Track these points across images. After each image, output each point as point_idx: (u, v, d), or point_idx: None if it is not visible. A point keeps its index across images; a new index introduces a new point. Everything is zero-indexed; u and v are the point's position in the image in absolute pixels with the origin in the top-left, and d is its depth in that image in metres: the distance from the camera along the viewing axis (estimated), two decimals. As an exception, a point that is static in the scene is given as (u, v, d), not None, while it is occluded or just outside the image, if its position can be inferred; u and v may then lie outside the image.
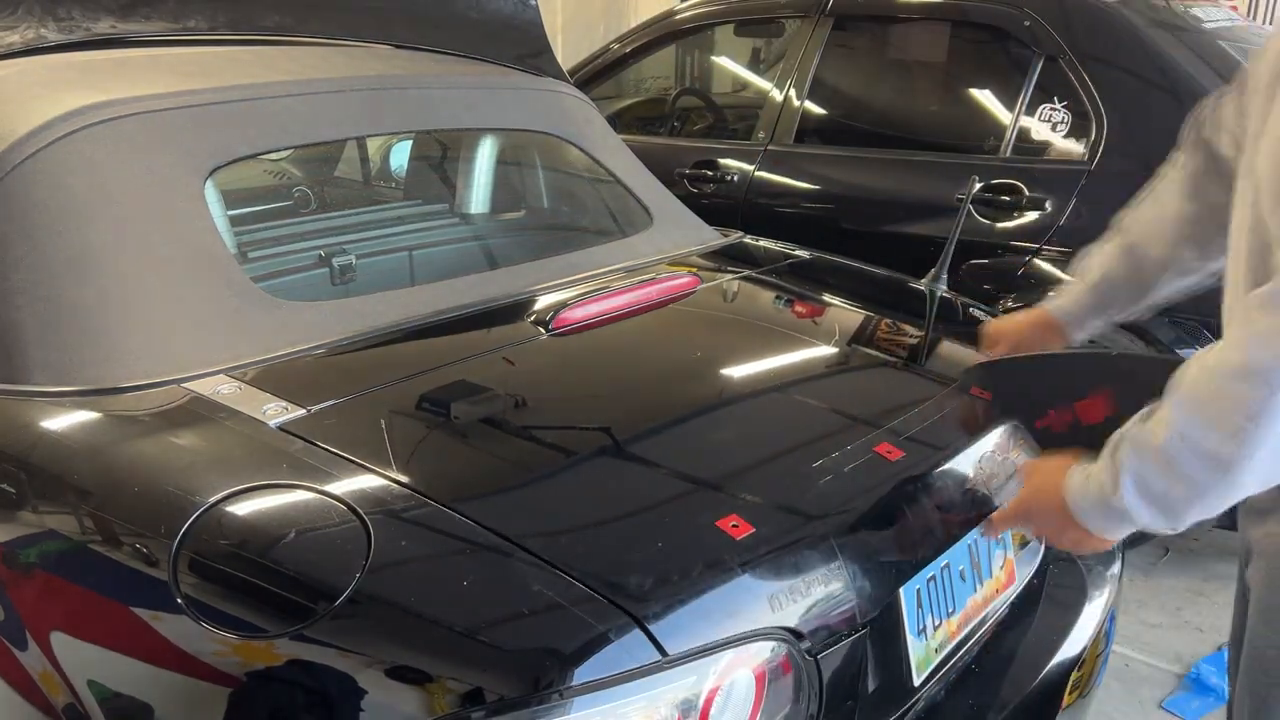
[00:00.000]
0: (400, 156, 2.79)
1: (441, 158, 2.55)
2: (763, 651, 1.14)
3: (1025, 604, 1.67)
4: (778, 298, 2.02)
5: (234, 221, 1.85)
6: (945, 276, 2.10)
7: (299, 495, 1.17)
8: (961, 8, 3.16)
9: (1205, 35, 2.99)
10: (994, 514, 1.42)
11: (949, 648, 1.45)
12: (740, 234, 2.35)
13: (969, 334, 1.81)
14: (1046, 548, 1.77)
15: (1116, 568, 1.84)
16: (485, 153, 2.34)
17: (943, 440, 1.48)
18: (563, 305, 1.65)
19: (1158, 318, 2.57)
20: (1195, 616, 2.81)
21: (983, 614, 1.54)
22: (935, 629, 1.42)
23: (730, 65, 4.56)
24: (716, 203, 3.42)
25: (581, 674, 1.00)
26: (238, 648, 1.07)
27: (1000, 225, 2.89)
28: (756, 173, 3.40)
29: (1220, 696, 2.47)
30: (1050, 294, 1.69)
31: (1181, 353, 2.67)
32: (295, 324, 1.53)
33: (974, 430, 1.54)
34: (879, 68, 3.53)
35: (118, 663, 1.15)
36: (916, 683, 1.38)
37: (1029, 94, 2.99)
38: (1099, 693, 1.80)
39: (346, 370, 1.51)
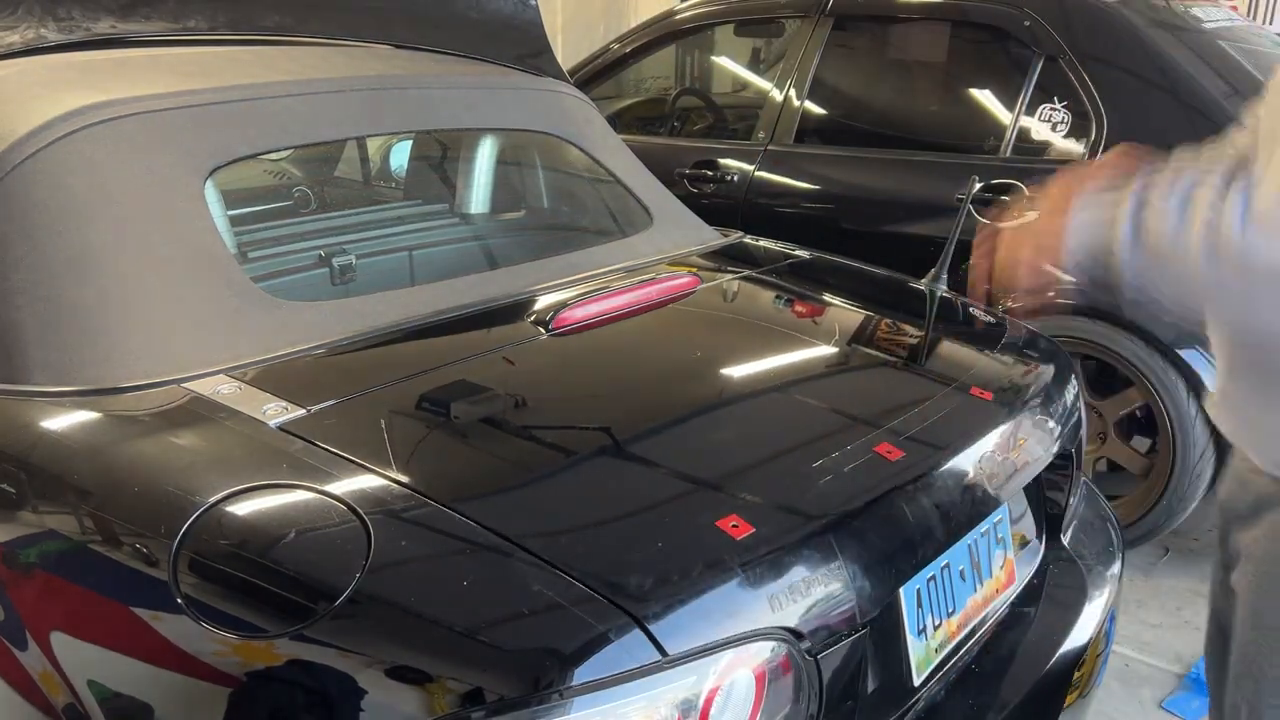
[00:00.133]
0: (400, 156, 2.78)
1: (441, 158, 2.55)
2: (763, 651, 1.14)
3: (1025, 604, 1.67)
4: (778, 298, 2.02)
5: (234, 221, 1.85)
6: (945, 276, 2.10)
7: (299, 495, 1.17)
8: (961, 8, 3.16)
9: (1205, 35, 3.00)
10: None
11: (949, 648, 1.45)
12: (740, 234, 2.35)
13: (969, 334, 1.81)
14: (1047, 548, 1.77)
15: (1116, 568, 1.84)
16: (485, 153, 2.34)
17: (943, 440, 1.48)
18: (563, 305, 1.66)
19: (1158, 318, 2.57)
20: (1195, 616, 2.81)
21: (983, 614, 1.54)
22: (935, 629, 1.42)
23: (730, 65, 4.57)
24: (716, 203, 3.42)
25: (581, 674, 1.00)
26: (238, 648, 1.07)
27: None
28: (756, 173, 3.40)
29: (1220, 697, 2.47)
30: None
31: (1182, 353, 2.68)
32: (295, 324, 1.53)
33: (974, 430, 1.54)
34: (879, 68, 3.53)
35: (118, 663, 1.15)
36: (916, 683, 1.38)
37: (1029, 94, 2.99)
38: (1099, 693, 1.80)
39: (346, 370, 1.51)
